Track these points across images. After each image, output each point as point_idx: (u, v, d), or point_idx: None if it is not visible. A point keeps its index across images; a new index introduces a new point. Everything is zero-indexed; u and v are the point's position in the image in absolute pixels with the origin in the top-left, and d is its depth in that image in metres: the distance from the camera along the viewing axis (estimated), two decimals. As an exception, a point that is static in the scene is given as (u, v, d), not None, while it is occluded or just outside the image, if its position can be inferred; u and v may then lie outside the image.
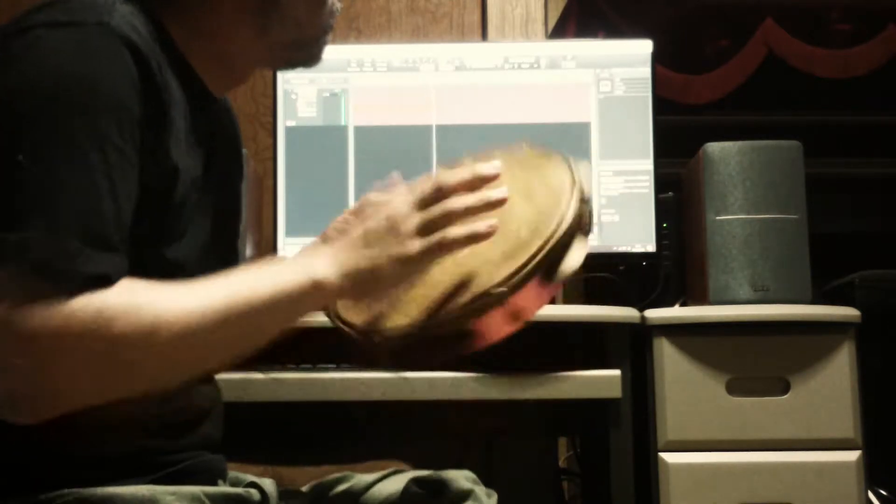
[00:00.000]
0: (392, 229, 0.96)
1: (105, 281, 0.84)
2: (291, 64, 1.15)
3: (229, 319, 0.88)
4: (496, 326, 0.96)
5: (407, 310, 0.98)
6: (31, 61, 0.87)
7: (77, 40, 0.88)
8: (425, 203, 0.97)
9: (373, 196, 1.04)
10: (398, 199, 0.98)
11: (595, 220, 1.02)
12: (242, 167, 1.22)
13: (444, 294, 0.96)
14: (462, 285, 0.96)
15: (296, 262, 0.97)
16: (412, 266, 0.97)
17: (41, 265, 0.81)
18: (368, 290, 0.97)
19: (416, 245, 0.96)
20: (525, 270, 0.94)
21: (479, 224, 0.97)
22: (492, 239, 0.96)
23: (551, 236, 0.96)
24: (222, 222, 1.10)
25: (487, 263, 0.97)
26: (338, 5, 1.10)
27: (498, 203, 0.98)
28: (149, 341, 0.84)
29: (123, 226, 0.88)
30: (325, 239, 1.04)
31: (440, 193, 0.98)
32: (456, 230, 0.96)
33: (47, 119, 0.85)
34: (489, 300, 0.94)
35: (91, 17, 0.90)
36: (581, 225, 0.99)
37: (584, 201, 1.00)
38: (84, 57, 0.88)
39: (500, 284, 0.94)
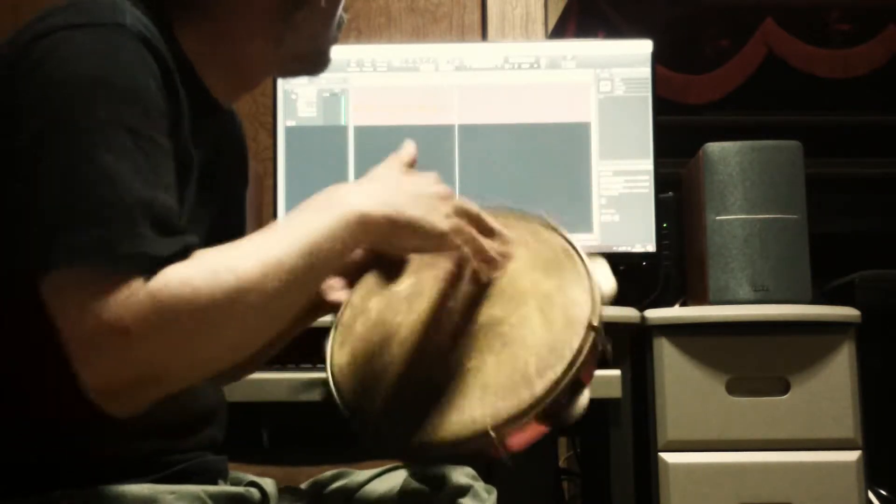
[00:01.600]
0: (437, 196, 0.98)
1: (184, 256, 0.85)
2: (299, 74, 1.16)
3: (299, 266, 0.88)
4: (482, 454, 0.94)
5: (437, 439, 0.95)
6: (58, 64, 0.87)
7: (99, 40, 0.89)
8: (461, 207, 1.00)
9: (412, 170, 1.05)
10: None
11: (608, 351, 0.98)
12: (246, 175, 1.22)
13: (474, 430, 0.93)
14: (460, 408, 0.94)
15: (329, 200, 0.97)
16: (435, 240, 0.98)
17: (119, 258, 0.81)
18: (396, 239, 0.97)
19: (449, 222, 0.98)
20: (525, 416, 0.91)
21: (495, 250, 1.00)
22: (500, 358, 0.95)
23: (558, 381, 0.92)
24: (221, 231, 1.10)
25: (489, 390, 0.93)
26: (344, 17, 1.11)
27: (506, 259, 1.01)
28: (234, 302, 0.83)
29: (174, 211, 0.88)
30: (368, 183, 1.03)
31: (472, 213, 1.01)
32: (481, 239, 1.00)
33: (89, 118, 0.85)
34: (479, 439, 0.91)
35: (108, 17, 0.90)
36: (592, 364, 0.96)
37: (597, 332, 0.95)
38: (109, 56, 0.88)
39: (497, 427, 0.91)
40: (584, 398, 0.96)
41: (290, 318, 0.92)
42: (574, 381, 0.93)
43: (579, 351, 0.93)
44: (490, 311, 1.01)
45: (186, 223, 0.97)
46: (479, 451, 0.93)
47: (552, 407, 0.92)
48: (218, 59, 1.04)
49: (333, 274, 1.06)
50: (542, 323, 0.97)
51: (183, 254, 0.85)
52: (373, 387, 1.00)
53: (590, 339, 0.94)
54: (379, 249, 1.02)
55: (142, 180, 0.85)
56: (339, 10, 1.10)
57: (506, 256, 1.03)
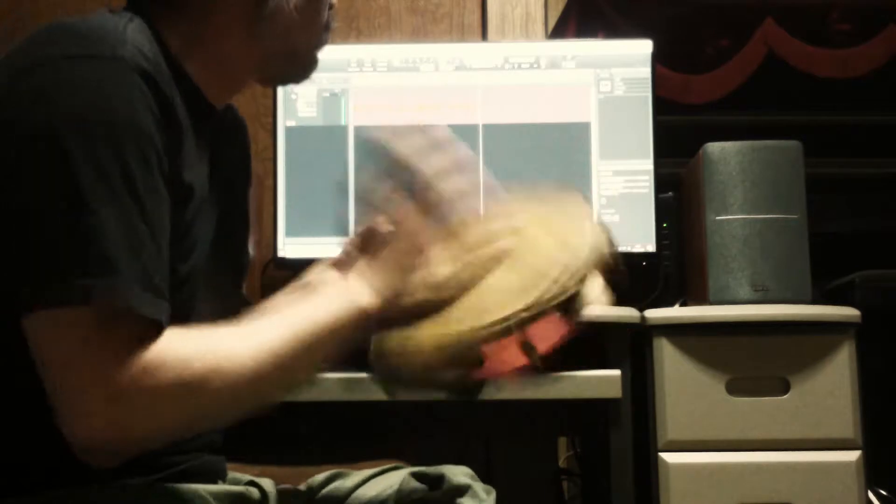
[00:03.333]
0: (413, 247, 1.01)
1: (164, 325, 0.86)
2: (284, 78, 1.16)
3: (293, 356, 0.91)
4: (508, 357, 0.96)
5: (422, 344, 0.97)
6: (53, 97, 0.86)
7: (96, 74, 0.88)
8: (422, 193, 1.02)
9: (374, 226, 1.05)
10: (405, 219, 1.02)
11: (620, 266, 1.03)
12: (249, 173, 1.22)
13: (459, 330, 0.96)
14: (478, 313, 0.96)
15: (336, 294, 0.99)
16: (413, 259, 1.01)
17: (109, 309, 0.82)
18: (398, 304, 1.00)
19: (415, 230, 1.01)
20: (542, 300, 0.94)
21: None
22: (511, 271, 0.98)
23: (567, 272, 0.96)
24: (227, 228, 1.10)
25: (506, 293, 0.97)
26: (332, 23, 1.11)
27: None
28: (229, 383, 0.86)
29: (165, 267, 0.89)
30: (339, 267, 1.05)
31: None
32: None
33: (84, 160, 0.84)
34: (503, 328, 0.94)
35: (106, 49, 0.89)
36: (599, 261, 1.00)
37: (604, 235, 1.01)
38: (105, 92, 0.87)
39: (515, 313, 0.94)
40: (597, 288, 0.99)
41: (282, 394, 0.95)
42: (586, 274, 0.98)
43: (585, 241, 1.00)
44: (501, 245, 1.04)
45: (195, 237, 0.98)
46: (507, 356, 0.95)
47: (569, 296, 0.96)
48: (201, 57, 1.03)
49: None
50: (546, 235, 1.02)
51: (166, 320, 0.86)
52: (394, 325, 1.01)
53: (593, 230, 1.01)
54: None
55: (134, 234, 0.85)
56: (321, 13, 1.09)
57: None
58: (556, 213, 1.06)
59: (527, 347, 0.95)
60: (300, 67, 1.12)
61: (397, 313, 0.99)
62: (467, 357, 0.95)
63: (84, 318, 0.81)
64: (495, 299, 0.97)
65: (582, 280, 0.98)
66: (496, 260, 1.01)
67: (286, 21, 1.06)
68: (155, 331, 0.85)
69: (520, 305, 0.94)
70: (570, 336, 0.99)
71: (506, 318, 0.94)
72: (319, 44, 1.11)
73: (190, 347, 0.85)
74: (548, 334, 0.97)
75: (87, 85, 0.87)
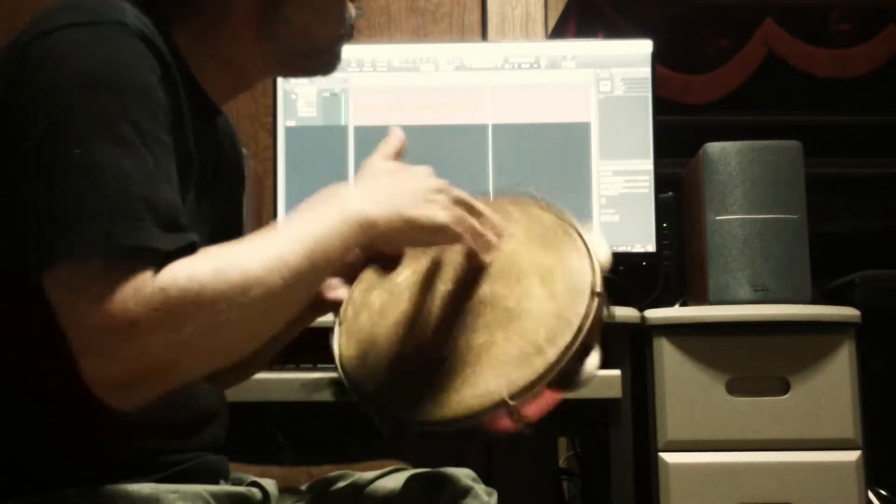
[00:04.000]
0: (433, 190, 0.99)
1: (189, 252, 0.85)
2: (304, 72, 1.15)
3: (304, 270, 0.89)
4: (498, 426, 0.95)
5: (416, 400, 0.97)
6: (62, 61, 0.87)
7: (101, 38, 0.89)
8: (456, 197, 1.01)
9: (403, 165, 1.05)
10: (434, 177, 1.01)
11: (612, 314, 1.01)
12: (243, 178, 1.22)
13: (456, 413, 0.95)
14: (475, 383, 0.95)
15: (348, 203, 0.97)
16: (436, 235, 0.99)
17: (125, 252, 0.82)
18: (398, 238, 0.98)
19: (447, 214, 0.98)
20: (540, 383, 0.93)
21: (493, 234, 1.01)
22: (508, 332, 0.97)
23: (569, 347, 0.94)
24: (220, 236, 1.10)
25: (502, 363, 0.95)
26: (353, 14, 1.10)
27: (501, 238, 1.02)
28: (241, 297, 0.84)
29: (180, 207, 0.89)
30: (367, 181, 1.04)
31: (466, 201, 1.01)
32: (477, 224, 1.01)
33: (91, 116, 0.85)
34: (494, 408, 0.92)
35: (109, 15, 0.91)
36: (598, 328, 0.98)
37: (601, 297, 0.97)
38: (112, 53, 0.89)
39: (513, 397, 0.92)
40: (594, 361, 0.98)
41: (292, 315, 0.92)
42: (583, 345, 0.95)
43: (586, 316, 0.95)
44: (493, 288, 1.02)
45: (188, 219, 0.97)
46: (496, 423, 0.94)
47: (564, 372, 0.94)
48: (211, 58, 1.03)
49: (333, 274, 1.06)
50: (545, 294, 0.99)
51: (187, 249, 0.86)
52: (384, 374, 1.01)
53: (595, 304, 0.96)
54: (380, 249, 1.02)
55: (146, 176, 0.85)
56: (339, 5, 1.09)
57: (501, 236, 1.04)
58: (558, 265, 1.02)
59: (517, 419, 0.93)
60: (324, 62, 1.11)
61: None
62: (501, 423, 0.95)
63: (107, 262, 0.81)
64: (488, 369, 0.95)
65: (581, 355, 0.95)
66: (490, 302, 1.00)
67: (302, 21, 1.05)
68: (167, 261, 0.84)
69: (517, 384, 0.92)
70: (559, 402, 0.97)
71: (496, 403, 0.92)
72: (341, 37, 1.10)
73: (197, 265, 0.84)
74: (539, 406, 0.95)
75: (91, 48, 0.88)
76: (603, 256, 1.02)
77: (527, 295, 0.99)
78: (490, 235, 1.02)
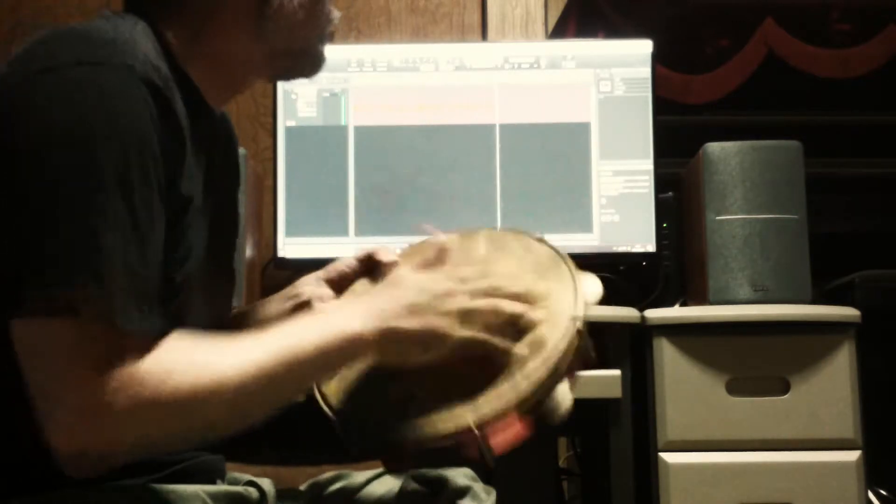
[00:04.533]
0: (438, 303, 0.97)
1: (151, 339, 0.86)
2: (290, 74, 1.15)
3: (280, 376, 0.90)
4: (468, 454, 0.95)
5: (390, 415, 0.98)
6: (62, 103, 0.86)
7: (104, 83, 0.88)
8: (475, 290, 0.99)
9: (405, 270, 1.04)
10: (443, 276, 1.00)
11: (591, 356, 1.02)
12: (239, 177, 1.22)
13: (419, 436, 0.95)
14: (446, 408, 0.95)
15: (331, 317, 0.97)
16: (444, 345, 0.97)
17: (94, 321, 0.82)
18: (397, 353, 0.97)
19: (456, 330, 0.97)
20: (507, 414, 0.93)
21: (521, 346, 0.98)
22: (484, 359, 0.97)
23: (541, 381, 0.95)
24: (219, 234, 1.10)
25: (476, 392, 0.95)
26: (335, 14, 1.10)
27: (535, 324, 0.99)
28: (211, 398, 0.85)
29: (156, 281, 0.89)
30: (331, 285, 1.07)
31: (491, 290, 0.99)
32: (498, 339, 0.98)
33: (82, 171, 0.84)
34: (466, 439, 0.93)
35: (118, 58, 0.89)
36: (574, 361, 0.98)
37: (580, 337, 0.98)
38: (112, 101, 0.87)
39: (479, 422, 0.93)
40: (568, 400, 0.99)
41: (271, 412, 0.93)
42: (556, 379, 0.96)
43: (564, 351, 0.96)
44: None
45: (190, 244, 0.98)
46: (464, 450, 0.95)
47: (535, 406, 0.95)
48: (202, 58, 1.03)
49: (321, 376, 1.04)
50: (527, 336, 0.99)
51: (156, 334, 0.86)
52: (358, 393, 1.02)
53: (573, 337, 0.97)
54: (381, 360, 1.00)
55: (127, 246, 0.85)
56: (324, 5, 1.09)
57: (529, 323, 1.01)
58: (546, 290, 1.02)
59: (483, 449, 0.93)
60: (309, 64, 1.11)
61: (395, 357, 0.97)
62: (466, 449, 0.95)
63: (69, 329, 0.81)
64: (464, 398, 0.95)
65: (549, 387, 0.96)
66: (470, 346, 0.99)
67: (290, 18, 1.05)
68: (142, 344, 0.84)
69: (485, 412, 0.93)
70: (529, 436, 0.97)
71: (466, 430, 0.92)
72: (324, 38, 1.10)
73: (174, 361, 0.85)
74: (507, 437, 0.95)
75: (94, 92, 0.87)
76: (591, 294, 1.02)
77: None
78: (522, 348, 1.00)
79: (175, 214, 0.94)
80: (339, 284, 1.18)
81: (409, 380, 0.99)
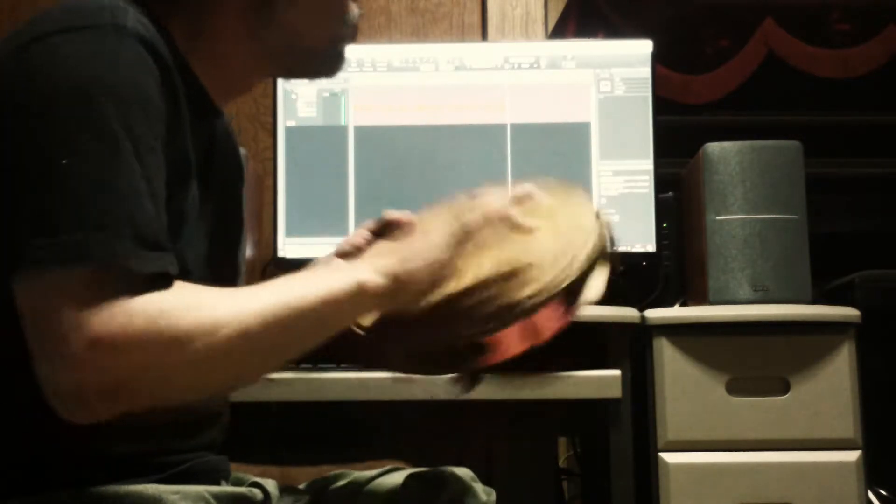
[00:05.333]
0: (423, 235, 0.99)
1: (164, 278, 0.85)
2: (302, 73, 1.14)
3: (283, 322, 0.88)
4: (511, 342, 0.97)
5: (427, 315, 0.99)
6: (56, 67, 0.86)
7: (98, 43, 0.88)
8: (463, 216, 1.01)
9: (391, 218, 1.06)
10: (433, 221, 1.01)
11: (615, 248, 1.10)
12: (242, 174, 1.22)
13: (465, 304, 0.97)
14: (486, 298, 0.97)
15: (337, 268, 0.97)
16: (445, 268, 0.98)
17: (100, 266, 0.82)
18: (406, 294, 0.97)
19: (448, 251, 0.98)
20: (548, 290, 0.96)
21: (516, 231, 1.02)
22: (521, 253, 0.99)
23: (574, 261, 0.99)
24: (222, 233, 1.10)
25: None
26: (354, 13, 1.09)
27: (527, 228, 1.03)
28: (209, 340, 0.84)
29: (164, 226, 0.89)
30: (345, 258, 1.06)
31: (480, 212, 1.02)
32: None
33: (84, 121, 0.85)
34: (510, 314, 0.95)
35: (107, 19, 0.89)
36: (602, 254, 1.04)
37: (606, 231, 1.06)
38: (108, 58, 0.87)
39: (522, 301, 0.95)
40: (600, 283, 1.03)
41: (276, 358, 0.92)
42: (589, 265, 1.01)
43: (590, 239, 1.04)
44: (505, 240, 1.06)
45: (195, 218, 0.97)
46: (506, 320, 0.96)
47: (573, 287, 0.98)
48: (203, 55, 1.02)
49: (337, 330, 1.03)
50: (552, 233, 1.05)
51: (165, 270, 0.85)
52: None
53: (598, 229, 1.05)
54: (397, 305, 0.99)
55: (132, 191, 0.85)
56: (336, 6, 1.08)
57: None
58: (563, 202, 1.09)
59: (530, 333, 0.96)
60: (322, 63, 1.10)
61: (406, 307, 0.98)
62: (472, 342, 0.96)
63: (70, 275, 0.81)
64: (502, 286, 0.97)
65: (588, 269, 1.00)
66: (496, 250, 1.02)
67: (293, 19, 1.04)
68: (148, 284, 0.83)
69: (526, 293, 0.95)
70: (568, 325, 1.00)
71: (517, 303, 0.94)
72: (340, 37, 1.09)
73: (179, 300, 0.84)
74: (549, 322, 0.98)
75: (87, 52, 0.87)
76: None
77: (537, 236, 1.04)
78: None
79: (174, 177, 0.93)
80: (354, 256, 1.17)
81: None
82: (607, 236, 1.06)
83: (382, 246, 1.00)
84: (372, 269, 0.94)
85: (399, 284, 0.95)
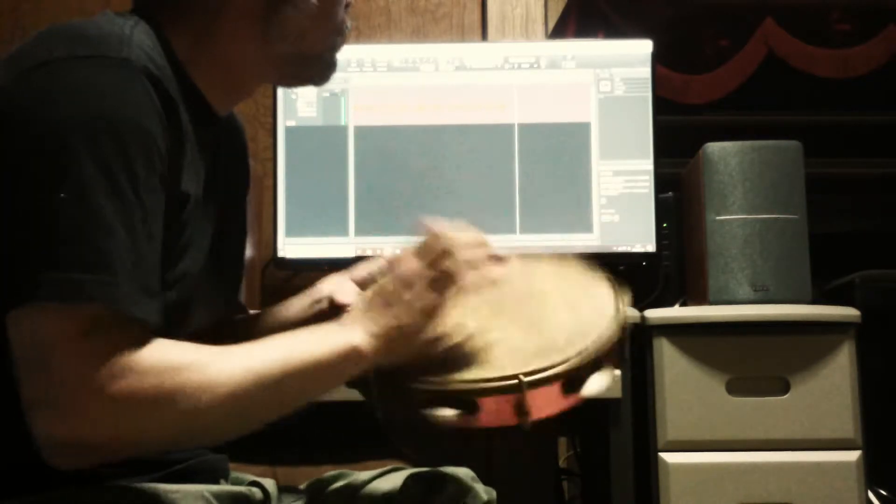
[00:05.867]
0: (406, 286, 0.98)
1: (154, 329, 0.86)
2: (297, 80, 1.15)
3: (277, 383, 0.90)
4: (501, 413, 0.96)
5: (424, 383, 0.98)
6: (61, 96, 0.86)
7: (104, 76, 0.88)
8: (433, 259, 0.99)
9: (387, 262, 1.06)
10: (407, 259, 1.00)
11: (625, 353, 1.09)
12: (248, 180, 1.22)
13: (463, 378, 0.96)
14: (487, 361, 0.97)
15: (332, 330, 0.98)
16: (432, 315, 0.98)
17: (104, 308, 0.82)
18: (399, 346, 0.98)
19: (430, 297, 0.98)
20: (551, 371, 0.95)
21: (493, 271, 1.02)
22: (528, 333, 0.99)
23: (585, 350, 0.97)
24: (224, 237, 1.10)
25: (518, 352, 0.97)
26: (348, 24, 1.10)
27: (501, 260, 1.03)
28: (211, 398, 0.85)
29: (157, 269, 0.89)
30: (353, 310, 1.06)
31: (448, 252, 1.00)
32: (470, 276, 1.00)
33: (86, 157, 0.84)
34: (506, 385, 0.94)
35: (112, 50, 0.89)
36: (614, 350, 1.01)
37: (623, 329, 1.02)
38: (113, 94, 0.87)
39: (523, 375, 0.94)
40: (604, 379, 0.99)
41: (266, 421, 0.93)
42: (598, 358, 0.98)
43: (606, 336, 0.99)
44: (518, 301, 1.06)
45: (187, 243, 0.97)
46: (501, 412, 0.95)
47: (576, 374, 0.96)
48: (208, 62, 1.03)
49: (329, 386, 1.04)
50: (569, 312, 1.03)
51: (157, 322, 0.86)
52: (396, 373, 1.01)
53: (616, 322, 1.00)
54: (392, 361, 1.00)
55: (131, 232, 0.85)
56: (336, 13, 1.08)
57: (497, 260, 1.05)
58: (584, 296, 1.06)
59: (521, 411, 0.94)
60: (317, 70, 1.11)
61: (398, 360, 0.98)
62: (463, 402, 0.95)
63: (74, 314, 0.81)
64: (503, 356, 0.97)
65: (593, 365, 0.98)
66: (509, 314, 1.02)
67: (299, 25, 1.05)
68: (144, 333, 0.84)
69: (525, 368, 0.94)
70: (566, 411, 0.99)
71: (509, 378, 0.94)
72: (335, 45, 1.10)
73: (175, 358, 0.85)
74: (546, 404, 0.96)
75: (93, 85, 0.87)
76: (626, 300, 1.06)
77: (551, 312, 1.03)
78: (495, 271, 1.03)
79: (173, 208, 0.94)
80: (366, 285, 1.17)
81: (448, 333, 1.00)
82: (625, 332, 1.02)
83: (375, 300, 0.99)
84: (366, 333, 0.95)
85: (389, 340, 0.96)
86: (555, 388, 0.95)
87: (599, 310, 1.02)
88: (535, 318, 1.03)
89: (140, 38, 0.92)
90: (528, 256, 1.14)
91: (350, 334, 0.95)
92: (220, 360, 0.88)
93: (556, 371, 0.94)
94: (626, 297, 1.05)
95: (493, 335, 1.00)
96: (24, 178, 0.85)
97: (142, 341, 0.84)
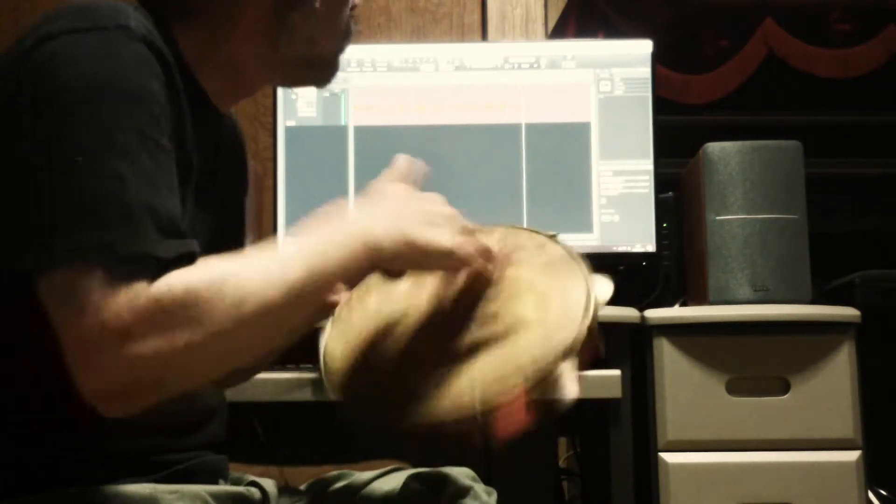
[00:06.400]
0: (442, 217, 0.99)
1: (188, 261, 0.86)
2: (302, 82, 1.16)
3: (305, 287, 0.89)
4: (470, 441, 0.96)
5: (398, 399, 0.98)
6: (64, 66, 0.87)
7: (104, 44, 0.89)
8: (465, 227, 1.00)
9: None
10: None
11: (601, 350, 1.04)
12: (246, 183, 1.22)
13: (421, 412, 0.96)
14: (451, 393, 0.95)
15: (354, 227, 0.96)
16: (443, 260, 0.98)
17: (123, 260, 0.82)
18: (405, 260, 0.98)
19: (455, 242, 0.98)
20: (512, 402, 0.93)
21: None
22: (494, 349, 0.97)
23: (548, 370, 0.95)
24: (222, 239, 1.10)
25: (482, 379, 0.95)
26: (353, 26, 1.10)
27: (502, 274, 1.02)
28: (236, 313, 0.84)
29: (180, 216, 0.89)
30: (374, 202, 1.04)
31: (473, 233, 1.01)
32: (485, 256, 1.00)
33: (95, 120, 0.85)
34: (469, 423, 0.93)
35: (111, 21, 0.91)
36: (586, 356, 0.98)
37: (592, 332, 0.98)
38: (115, 59, 0.89)
39: (482, 412, 0.93)
40: (573, 391, 0.97)
41: (293, 329, 0.92)
42: (559, 371, 0.95)
43: (572, 344, 0.95)
44: (488, 307, 1.02)
45: (188, 226, 0.97)
46: (466, 436, 0.95)
47: (541, 388, 0.94)
48: (215, 63, 1.03)
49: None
50: (537, 318, 0.99)
51: (186, 257, 0.86)
52: (364, 373, 1.01)
53: (583, 333, 0.96)
54: (384, 269, 1.01)
55: (147, 183, 0.86)
56: (343, 16, 1.09)
57: (505, 267, 1.04)
58: (556, 291, 1.03)
59: (485, 435, 0.94)
60: (323, 73, 1.11)
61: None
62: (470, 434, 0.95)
63: (101, 270, 0.81)
64: (468, 384, 0.95)
65: (555, 381, 0.96)
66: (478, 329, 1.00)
67: (309, 28, 1.05)
68: (169, 268, 0.84)
69: (489, 394, 0.93)
70: (531, 425, 0.96)
71: (469, 415, 0.93)
72: (341, 48, 1.10)
73: (203, 275, 0.85)
74: (511, 419, 0.94)
75: (94, 53, 0.88)
76: (601, 294, 1.02)
77: (519, 318, 1.00)
78: (492, 267, 1.02)
79: (179, 173, 0.94)
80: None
81: (420, 352, 1.00)
82: (594, 333, 0.98)
83: (409, 210, 1.00)
84: (392, 234, 0.95)
85: (409, 254, 0.96)
86: (519, 412, 0.94)
87: (568, 311, 0.99)
88: (503, 331, 0.99)
89: (136, 15, 0.94)
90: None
91: (378, 237, 0.94)
92: (247, 271, 0.87)
93: (513, 399, 0.93)
94: (601, 290, 1.02)
95: (463, 353, 0.98)
96: (35, 145, 0.85)
97: (159, 276, 0.83)
